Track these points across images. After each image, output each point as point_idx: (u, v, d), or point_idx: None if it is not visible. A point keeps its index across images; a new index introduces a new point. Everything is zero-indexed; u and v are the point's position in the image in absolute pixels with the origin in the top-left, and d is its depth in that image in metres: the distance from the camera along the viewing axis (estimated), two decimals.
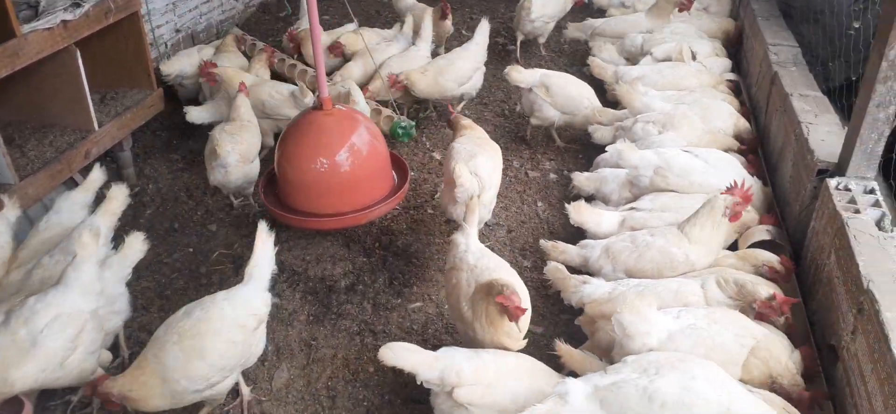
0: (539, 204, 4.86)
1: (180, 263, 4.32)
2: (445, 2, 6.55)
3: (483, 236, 4.54)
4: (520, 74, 5.28)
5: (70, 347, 2.98)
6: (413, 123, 5.54)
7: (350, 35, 6.39)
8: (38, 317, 2.93)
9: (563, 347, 3.08)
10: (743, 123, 4.81)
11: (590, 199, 4.42)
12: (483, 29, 5.91)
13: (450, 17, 6.60)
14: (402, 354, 2.87)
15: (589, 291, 3.43)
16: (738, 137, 4.73)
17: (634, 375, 2.62)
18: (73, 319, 3.01)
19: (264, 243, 3.35)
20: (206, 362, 2.93)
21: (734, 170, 4.17)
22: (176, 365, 2.87)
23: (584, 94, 5.24)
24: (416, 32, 6.46)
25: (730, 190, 3.56)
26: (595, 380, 2.67)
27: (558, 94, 5.19)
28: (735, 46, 6.35)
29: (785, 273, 3.47)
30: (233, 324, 3.03)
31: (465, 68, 5.71)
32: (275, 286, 4.09)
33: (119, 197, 3.75)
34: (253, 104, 4.89)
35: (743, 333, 2.98)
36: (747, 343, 2.95)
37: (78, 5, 4.51)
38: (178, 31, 6.87)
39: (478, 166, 3.92)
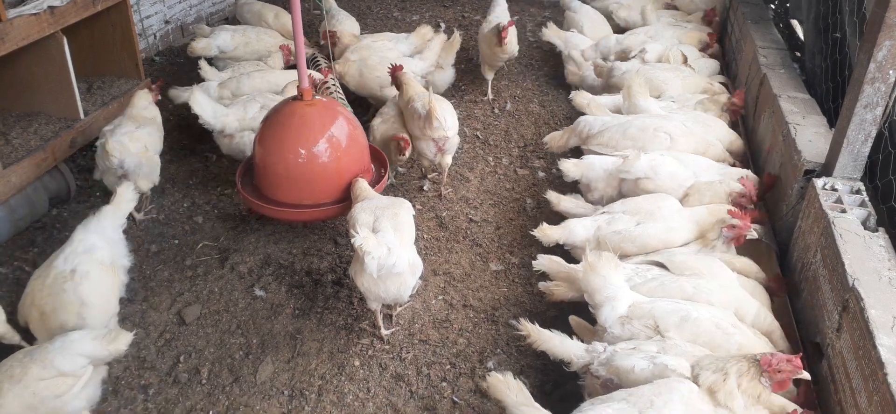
0: (528, 201, 4.85)
1: (165, 254, 4.28)
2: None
3: (470, 223, 4.54)
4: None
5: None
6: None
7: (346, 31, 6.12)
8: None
9: (528, 326, 3.03)
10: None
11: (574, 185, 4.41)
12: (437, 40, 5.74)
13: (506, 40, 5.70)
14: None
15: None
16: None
17: None
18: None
19: None
20: None
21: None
22: None
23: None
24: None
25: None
26: None
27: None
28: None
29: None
30: None
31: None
32: (260, 279, 4.06)
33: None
34: None
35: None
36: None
37: None
38: (167, 21, 6.83)
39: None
